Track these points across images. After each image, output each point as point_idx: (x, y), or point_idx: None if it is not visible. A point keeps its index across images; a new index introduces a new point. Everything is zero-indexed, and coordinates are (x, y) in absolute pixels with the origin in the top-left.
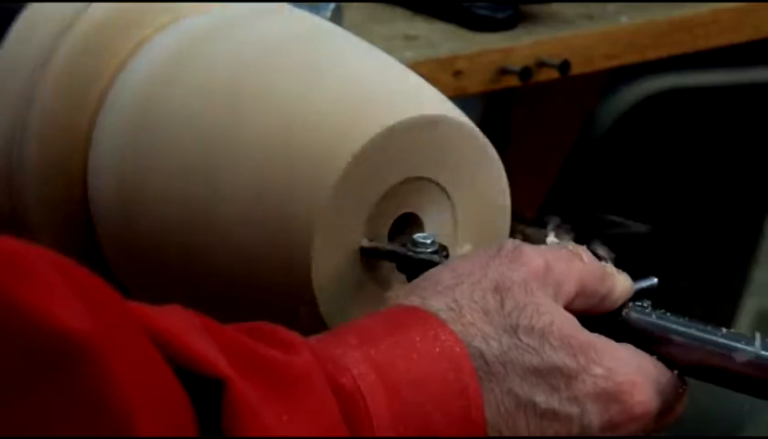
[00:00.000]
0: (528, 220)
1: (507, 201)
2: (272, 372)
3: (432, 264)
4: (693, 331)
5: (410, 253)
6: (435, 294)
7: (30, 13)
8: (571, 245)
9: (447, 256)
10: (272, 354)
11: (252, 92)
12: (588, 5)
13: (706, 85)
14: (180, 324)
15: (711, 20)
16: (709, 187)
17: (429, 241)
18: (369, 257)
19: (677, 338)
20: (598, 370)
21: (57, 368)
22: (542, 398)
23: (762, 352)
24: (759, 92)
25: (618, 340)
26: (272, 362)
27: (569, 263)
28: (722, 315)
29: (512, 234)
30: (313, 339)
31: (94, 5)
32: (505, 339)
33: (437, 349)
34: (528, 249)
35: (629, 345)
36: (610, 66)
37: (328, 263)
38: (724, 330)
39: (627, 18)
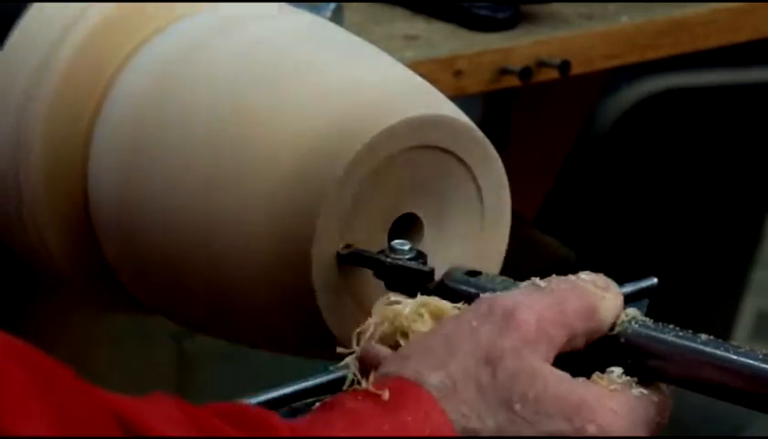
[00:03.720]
0: (528, 220)
1: (508, 201)
2: None
3: (409, 271)
4: (684, 343)
5: (388, 260)
6: (429, 369)
7: (33, 13)
8: (554, 283)
9: (425, 263)
10: None
11: (252, 92)
12: (588, 5)
13: (706, 85)
14: (159, 418)
15: (711, 20)
16: (709, 188)
17: (406, 248)
18: (346, 264)
19: (667, 353)
20: (592, 429)
21: None
22: None
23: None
24: (759, 92)
25: (611, 356)
26: None
27: (559, 313)
28: (722, 315)
29: (513, 235)
30: (302, 421)
31: (95, 5)
32: (501, 416)
33: (427, 431)
34: (518, 310)
35: (619, 389)
36: (610, 66)
37: (328, 263)
38: (703, 337)
39: (627, 18)
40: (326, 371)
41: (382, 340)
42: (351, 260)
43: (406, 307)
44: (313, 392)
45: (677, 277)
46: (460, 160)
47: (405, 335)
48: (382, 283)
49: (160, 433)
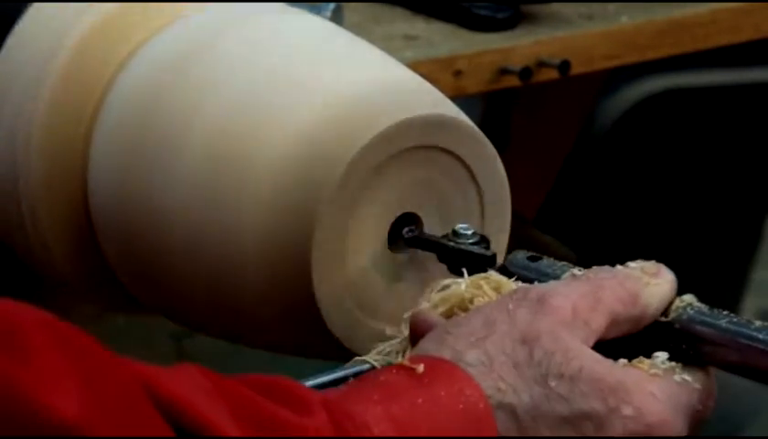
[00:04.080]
0: (528, 220)
1: (508, 201)
2: (281, 434)
3: (473, 255)
4: (738, 329)
5: (451, 244)
6: (468, 347)
7: (31, 14)
8: (593, 272)
9: (488, 247)
10: (284, 415)
11: (251, 93)
12: (588, 5)
13: (706, 85)
14: (188, 387)
15: (711, 20)
16: (709, 188)
17: (470, 233)
18: (410, 247)
19: (721, 339)
20: (628, 411)
21: None
22: None
23: None
24: (759, 92)
25: (665, 342)
26: (284, 424)
27: (596, 300)
28: None
29: (513, 235)
30: (335, 393)
31: (94, 5)
32: (536, 391)
33: (461, 406)
34: (552, 297)
35: (660, 374)
36: (610, 66)
37: (328, 263)
38: (757, 323)
39: (627, 18)
40: (338, 368)
41: None
42: (415, 243)
43: (462, 285)
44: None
45: (676, 277)
46: (460, 160)
47: (465, 311)
48: (382, 283)
49: (188, 401)
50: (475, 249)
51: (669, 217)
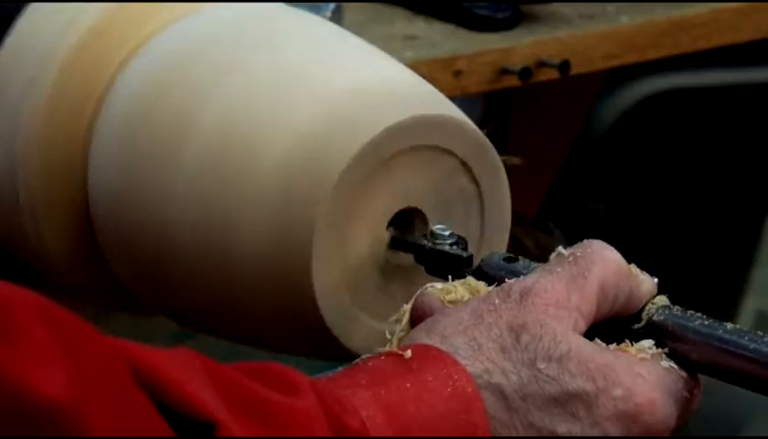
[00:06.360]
0: (528, 220)
1: (508, 201)
2: (270, 415)
3: (450, 256)
4: (710, 331)
5: (428, 245)
6: (456, 333)
7: (32, 13)
8: (581, 249)
9: (465, 249)
10: (273, 397)
11: (251, 93)
12: (588, 5)
13: (706, 85)
14: (176, 366)
15: (711, 20)
16: (709, 187)
17: (447, 233)
18: (389, 248)
19: (693, 340)
20: (618, 391)
21: (38, 433)
22: (564, 428)
23: None
24: (759, 92)
25: (640, 339)
26: (273, 405)
27: (583, 279)
28: (722, 315)
29: (512, 235)
30: (324, 379)
31: (94, 5)
32: (524, 372)
33: (449, 389)
34: (536, 293)
35: (648, 359)
36: (610, 66)
37: (328, 263)
38: (729, 326)
39: (627, 18)
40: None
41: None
42: (392, 244)
43: (438, 285)
44: None
45: (677, 277)
46: (460, 160)
47: None
48: (382, 282)
49: (175, 380)
50: (452, 250)
51: (669, 217)
